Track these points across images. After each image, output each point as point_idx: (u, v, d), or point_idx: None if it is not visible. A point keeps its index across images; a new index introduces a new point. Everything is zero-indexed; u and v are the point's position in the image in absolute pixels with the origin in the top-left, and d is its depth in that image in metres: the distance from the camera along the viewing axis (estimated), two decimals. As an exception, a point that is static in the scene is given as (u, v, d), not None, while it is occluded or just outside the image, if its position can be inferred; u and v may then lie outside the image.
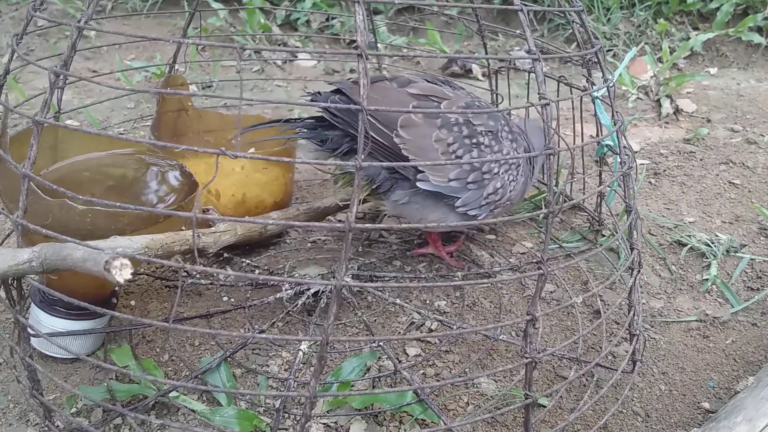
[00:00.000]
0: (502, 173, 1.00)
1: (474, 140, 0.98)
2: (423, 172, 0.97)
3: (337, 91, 1.00)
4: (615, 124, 0.85)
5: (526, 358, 0.70)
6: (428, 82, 1.04)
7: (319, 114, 1.01)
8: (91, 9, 0.67)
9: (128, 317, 0.57)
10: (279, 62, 2.02)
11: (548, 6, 2.20)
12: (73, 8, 2.33)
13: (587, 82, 1.07)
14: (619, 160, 0.91)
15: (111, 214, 0.84)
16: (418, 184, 0.97)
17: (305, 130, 1.01)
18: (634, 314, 0.90)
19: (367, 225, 0.62)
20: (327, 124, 0.99)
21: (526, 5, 0.71)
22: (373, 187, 0.99)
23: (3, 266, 0.66)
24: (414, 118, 0.96)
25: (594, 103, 1.02)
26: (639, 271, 0.89)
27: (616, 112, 0.88)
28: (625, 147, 0.89)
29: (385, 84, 1.01)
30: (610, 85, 0.86)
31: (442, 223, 1.01)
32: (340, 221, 1.30)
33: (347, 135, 0.98)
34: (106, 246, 0.73)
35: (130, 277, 0.55)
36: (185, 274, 1.02)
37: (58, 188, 0.67)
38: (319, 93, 1.01)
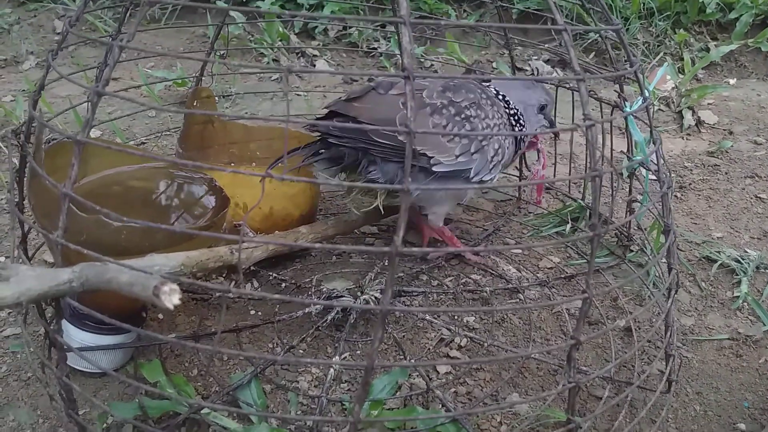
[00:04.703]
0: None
1: (462, 115, 1.06)
2: (434, 158, 1.04)
3: (333, 114, 1.03)
4: (654, 143, 0.84)
5: (570, 382, 0.69)
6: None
7: (320, 137, 1.04)
8: (134, 28, 0.66)
9: (173, 339, 0.57)
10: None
11: (579, 22, 2.19)
12: (92, 16, 2.34)
13: (619, 97, 1.06)
14: (653, 177, 0.91)
15: (145, 230, 0.83)
16: (433, 168, 1.04)
17: (323, 150, 1.04)
18: (670, 334, 0.89)
19: (414, 249, 0.61)
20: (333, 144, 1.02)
21: (569, 24, 0.70)
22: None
23: (43, 287, 0.65)
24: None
25: (626, 119, 1.01)
26: (677, 292, 0.88)
27: (655, 128, 0.87)
28: (663, 164, 0.88)
29: (373, 93, 1.06)
30: (649, 104, 0.85)
31: (463, 197, 1.14)
32: (364, 234, 1.29)
33: (357, 149, 1.03)
34: (144, 264, 0.72)
35: (178, 302, 0.55)
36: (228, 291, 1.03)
37: (96, 207, 0.67)
38: (314, 125, 1.05)
